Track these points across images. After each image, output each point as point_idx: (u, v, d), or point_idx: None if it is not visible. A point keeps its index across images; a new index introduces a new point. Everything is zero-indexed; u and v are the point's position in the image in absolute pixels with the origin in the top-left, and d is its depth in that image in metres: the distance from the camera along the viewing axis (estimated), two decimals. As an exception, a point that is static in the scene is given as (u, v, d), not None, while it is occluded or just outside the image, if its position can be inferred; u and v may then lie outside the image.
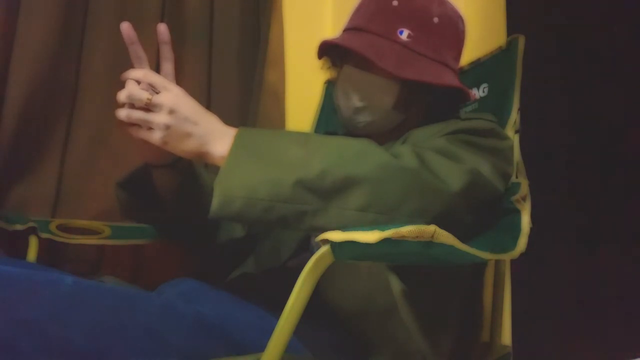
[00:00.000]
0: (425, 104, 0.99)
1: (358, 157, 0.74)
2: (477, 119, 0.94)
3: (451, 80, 0.95)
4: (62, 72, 1.25)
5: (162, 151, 0.79)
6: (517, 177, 0.94)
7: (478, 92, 1.14)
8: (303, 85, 1.49)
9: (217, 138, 0.75)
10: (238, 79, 1.45)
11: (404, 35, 0.94)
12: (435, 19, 0.95)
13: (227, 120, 0.79)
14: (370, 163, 0.73)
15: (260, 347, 0.63)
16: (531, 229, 0.82)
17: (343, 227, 0.64)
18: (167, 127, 0.75)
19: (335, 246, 0.62)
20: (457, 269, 0.90)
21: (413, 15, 0.95)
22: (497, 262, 1.07)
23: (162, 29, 0.81)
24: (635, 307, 1.47)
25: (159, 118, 0.75)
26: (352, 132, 0.99)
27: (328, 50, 1.01)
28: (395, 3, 0.95)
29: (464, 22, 1.02)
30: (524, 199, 0.87)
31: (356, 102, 0.95)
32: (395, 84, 0.94)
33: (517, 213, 0.85)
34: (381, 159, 0.74)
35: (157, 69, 0.82)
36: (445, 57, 0.96)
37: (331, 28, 1.57)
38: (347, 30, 0.99)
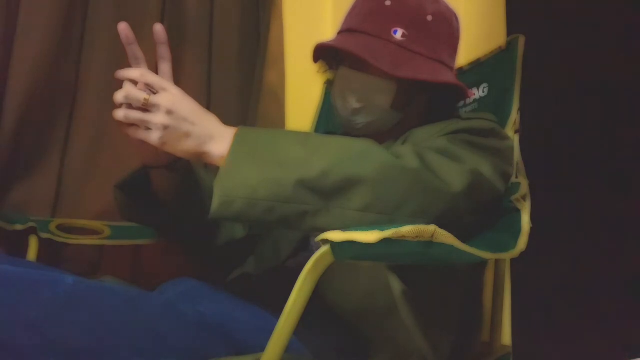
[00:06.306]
0: (423, 102, 0.99)
1: (359, 157, 0.74)
2: (478, 119, 0.94)
3: (447, 77, 0.95)
4: (62, 72, 1.25)
5: (160, 152, 0.78)
6: (517, 177, 0.94)
7: (478, 92, 1.14)
8: (303, 85, 1.49)
9: (216, 138, 0.75)
10: (238, 79, 1.45)
11: (398, 34, 0.94)
12: (429, 17, 0.95)
13: (227, 120, 0.79)
14: (371, 163, 0.73)
15: (260, 347, 0.64)
16: (531, 229, 0.82)
17: (344, 228, 0.64)
18: (165, 128, 0.74)
19: (335, 246, 0.62)
20: (457, 269, 0.90)
21: (407, 15, 0.95)
22: (497, 262, 1.07)
23: (159, 29, 0.81)
24: (635, 307, 1.48)
25: (157, 118, 0.74)
26: (350, 133, 0.99)
27: (324, 53, 1.01)
28: (388, 3, 0.95)
29: (458, 19, 1.02)
30: (524, 198, 0.87)
31: (353, 103, 0.95)
32: (391, 84, 0.94)
33: (517, 213, 0.85)
34: (382, 159, 0.74)
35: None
36: (440, 54, 0.96)
37: (331, 28, 1.57)
38: (341, 32, 0.99)
